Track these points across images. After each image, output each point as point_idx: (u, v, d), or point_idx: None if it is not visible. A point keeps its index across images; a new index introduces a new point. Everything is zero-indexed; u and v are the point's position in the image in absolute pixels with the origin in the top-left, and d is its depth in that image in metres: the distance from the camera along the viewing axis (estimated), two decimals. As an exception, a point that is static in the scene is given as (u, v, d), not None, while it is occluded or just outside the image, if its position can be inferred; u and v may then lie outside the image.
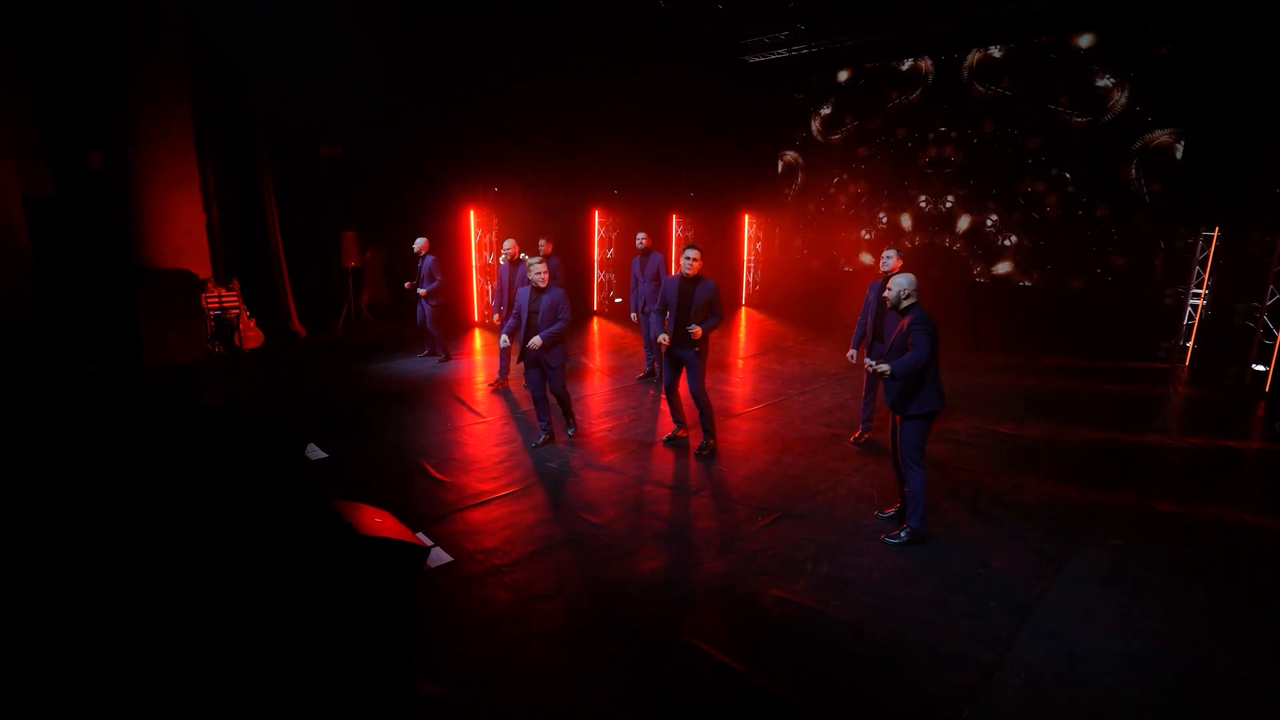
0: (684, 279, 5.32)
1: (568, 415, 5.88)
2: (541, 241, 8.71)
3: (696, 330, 5.18)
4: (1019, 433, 6.23)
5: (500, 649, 3.07)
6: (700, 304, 5.27)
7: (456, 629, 3.21)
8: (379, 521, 3.64)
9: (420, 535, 3.96)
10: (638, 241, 7.67)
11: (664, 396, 5.78)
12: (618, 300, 12.90)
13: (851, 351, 5.67)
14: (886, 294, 4.04)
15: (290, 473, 4.98)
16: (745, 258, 14.58)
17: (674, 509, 4.60)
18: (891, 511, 4.41)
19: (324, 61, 9.56)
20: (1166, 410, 7.12)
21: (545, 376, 5.48)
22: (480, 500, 4.61)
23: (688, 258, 5.30)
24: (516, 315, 5.47)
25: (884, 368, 3.84)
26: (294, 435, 5.61)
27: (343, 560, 3.22)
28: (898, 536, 4.11)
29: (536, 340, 5.26)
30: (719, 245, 14.18)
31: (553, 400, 5.74)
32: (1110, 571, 3.81)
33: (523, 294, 5.44)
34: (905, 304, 3.99)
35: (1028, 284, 11.32)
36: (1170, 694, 2.84)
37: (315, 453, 5.38)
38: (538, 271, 5.34)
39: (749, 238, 14.50)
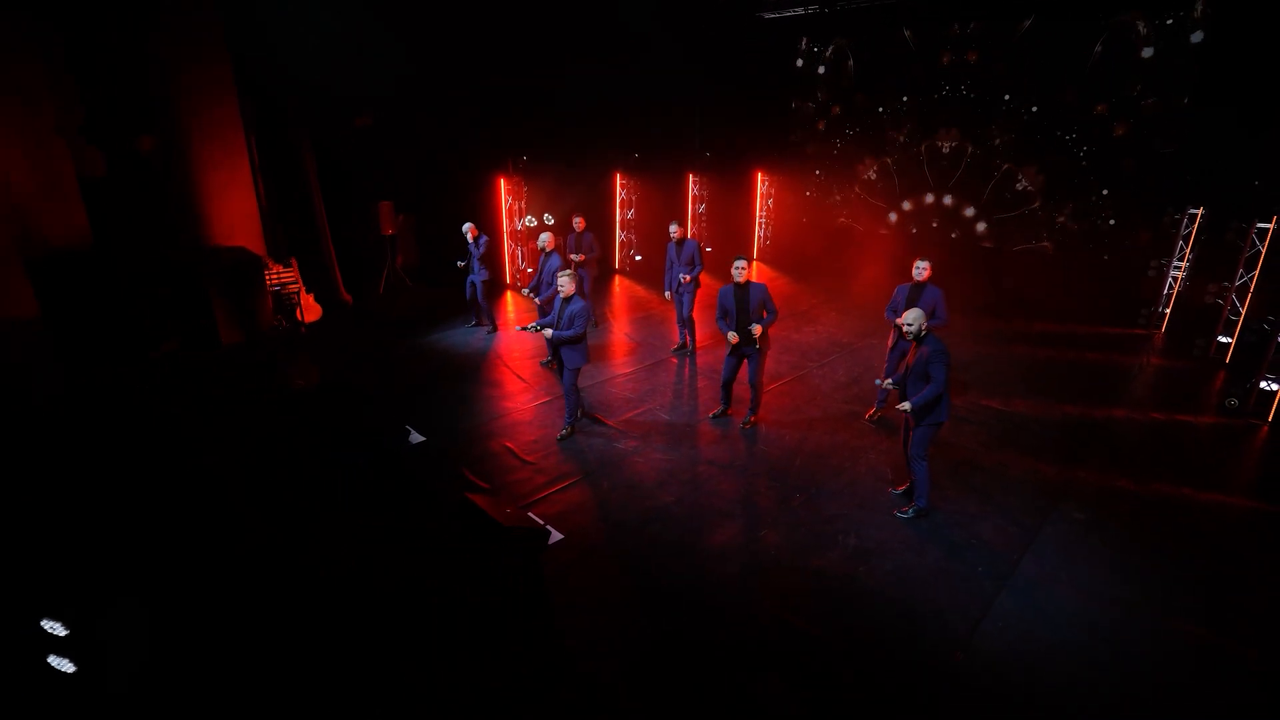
0: (737, 286, 6.14)
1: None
2: (576, 219, 9.36)
3: (758, 328, 6.05)
4: (1008, 408, 7.25)
5: (619, 615, 4.15)
6: (756, 305, 6.12)
7: (588, 595, 4.28)
8: (509, 511, 4.62)
9: (532, 516, 4.98)
10: (671, 230, 8.34)
11: (701, 374, 6.68)
12: (638, 258, 13.56)
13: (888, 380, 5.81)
14: (907, 328, 4.79)
15: (403, 460, 5.94)
16: (757, 214, 15.12)
17: (729, 487, 5.63)
18: (902, 489, 5.46)
19: (356, 34, 9.78)
20: (1137, 381, 8.14)
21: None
22: (567, 483, 5.60)
23: (737, 268, 6.11)
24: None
25: (905, 406, 4.77)
26: (395, 419, 6.53)
27: (495, 552, 4.21)
28: (907, 513, 5.17)
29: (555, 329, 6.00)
30: (732, 202, 14.70)
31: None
32: (1072, 541, 4.91)
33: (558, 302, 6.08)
34: (923, 335, 4.82)
35: (1021, 247, 12.07)
36: (1111, 644, 3.95)
37: (415, 437, 6.34)
38: (562, 283, 5.88)
39: (761, 194, 14.99)
